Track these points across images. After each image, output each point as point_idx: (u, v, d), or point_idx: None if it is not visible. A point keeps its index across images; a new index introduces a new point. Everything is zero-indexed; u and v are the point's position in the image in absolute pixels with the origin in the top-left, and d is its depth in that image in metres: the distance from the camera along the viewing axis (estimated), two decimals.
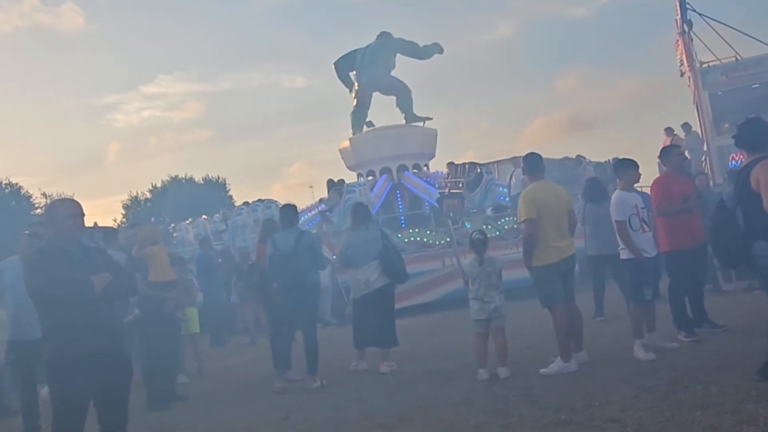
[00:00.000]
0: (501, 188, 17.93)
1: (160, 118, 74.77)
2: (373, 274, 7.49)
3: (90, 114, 72.01)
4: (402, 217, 17.76)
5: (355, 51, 21.35)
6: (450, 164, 17.77)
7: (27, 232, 6.00)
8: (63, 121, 70.65)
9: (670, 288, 6.87)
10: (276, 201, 16.94)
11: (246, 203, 18.28)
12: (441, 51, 21.58)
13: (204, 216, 19.50)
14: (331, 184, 17.23)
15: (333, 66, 21.90)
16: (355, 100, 21.32)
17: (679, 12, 18.01)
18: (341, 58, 21.79)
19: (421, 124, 21.20)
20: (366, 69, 21.00)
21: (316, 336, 7.31)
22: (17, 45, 66.93)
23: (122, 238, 8.96)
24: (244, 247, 14.38)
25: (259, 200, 17.91)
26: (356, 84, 21.45)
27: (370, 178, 20.84)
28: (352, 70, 21.44)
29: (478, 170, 16.26)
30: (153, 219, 40.22)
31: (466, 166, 17.13)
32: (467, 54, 69.82)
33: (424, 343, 8.82)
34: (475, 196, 15.68)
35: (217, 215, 18.94)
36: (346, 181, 18.09)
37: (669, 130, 16.92)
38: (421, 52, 21.50)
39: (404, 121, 21.17)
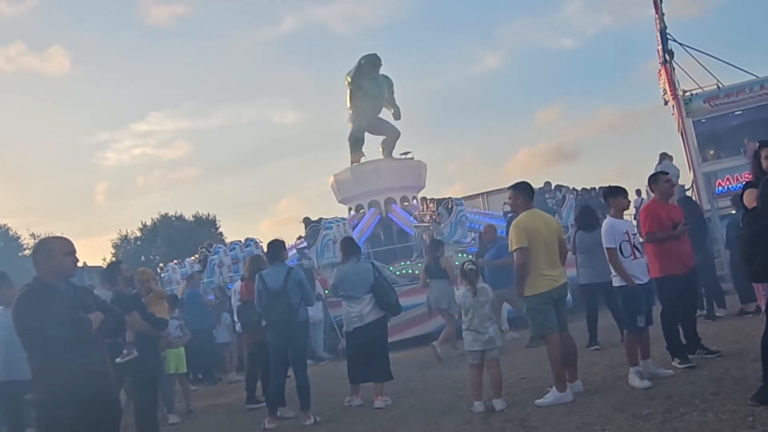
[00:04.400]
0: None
1: (150, 155, 74.97)
2: (366, 307, 7.45)
3: (80, 153, 72.17)
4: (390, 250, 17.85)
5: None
6: (423, 199, 19.10)
7: None
8: (53, 161, 70.73)
9: (662, 314, 6.86)
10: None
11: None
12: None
13: (175, 261, 19.78)
14: (308, 221, 17.58)
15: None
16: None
17: (660, 42, 18.33)
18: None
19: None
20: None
21: (307, 372, 7.23)
22: (3, 88, 67.14)
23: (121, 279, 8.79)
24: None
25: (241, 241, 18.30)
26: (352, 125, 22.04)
27: (361, 210, 21.06)
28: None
29: (449, 204, 16.94)
30: (143, 257, 40.15)
31: (436, 200, 18.10)
32: (454, 86, 70.75)
33: (418, 376, 8.74)
34: (445, 228, 16.33)
35: (193, 258, 19.12)
36: (329, 216, 18.41)
37: (663, 155, 17.05)
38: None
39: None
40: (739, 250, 4.69)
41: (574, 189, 19.31)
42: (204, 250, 17.86)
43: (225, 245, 17.44)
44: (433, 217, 17.22)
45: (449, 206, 16.84)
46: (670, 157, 17.01)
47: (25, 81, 67.87)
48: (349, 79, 21.97)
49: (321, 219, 17.16)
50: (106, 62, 71.18)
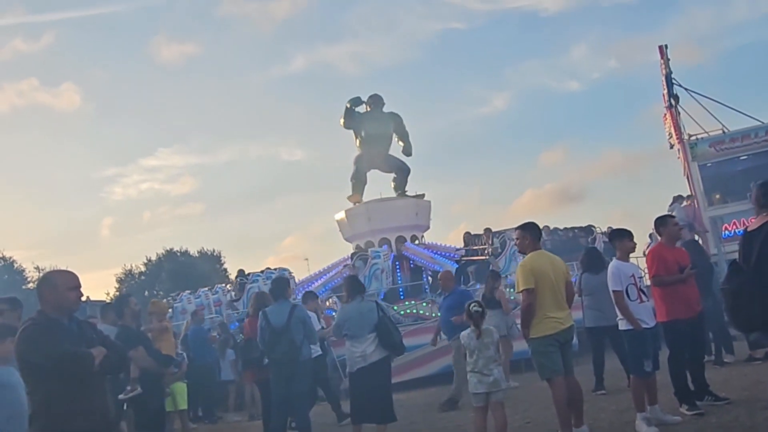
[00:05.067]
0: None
1: (158, 190, 75.38)
2: (370, 347, 7.37)
3: (88, 187, 72.60)
4: (401, 288, 17.82)
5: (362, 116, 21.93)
6: (467, 234, 19.09)
7: None
8: (61, 195, 71.17)
9: (669, 359, 6.78)
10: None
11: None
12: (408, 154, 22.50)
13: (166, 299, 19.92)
14: (240, 273, 17.70)
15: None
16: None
17: (665, 86, 18.52)
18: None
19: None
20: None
21: (308, 413, 7.13)
22: (14, 123, 67.94)
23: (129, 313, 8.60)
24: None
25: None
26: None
27: (369, 249, 21.09)
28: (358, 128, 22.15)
29: (503, 238, 17.03)
30: (146, 292, 40.08)
31: (489, 233, 18.12)
32: (461, 126, 71.33)
33: (422, 418, 8.62)
34: (500, 261, 16.34)
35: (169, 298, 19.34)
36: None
37: (677, 198, 16.99)
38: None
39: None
40: (724, 303, 4.74)
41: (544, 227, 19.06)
42: (170, 299, 18.19)
43: (191, 293, 17.68)
44: (486, 251, 17.22)
45: (503, 239, 16.84)
46: (688, 199, 16.88)
47: (36, 116, 68.89)
48: (342, 123, 22.13)
49: (265, 270, 17.24)
50: (116, 99, 72.28)
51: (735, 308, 4.54)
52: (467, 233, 19.22)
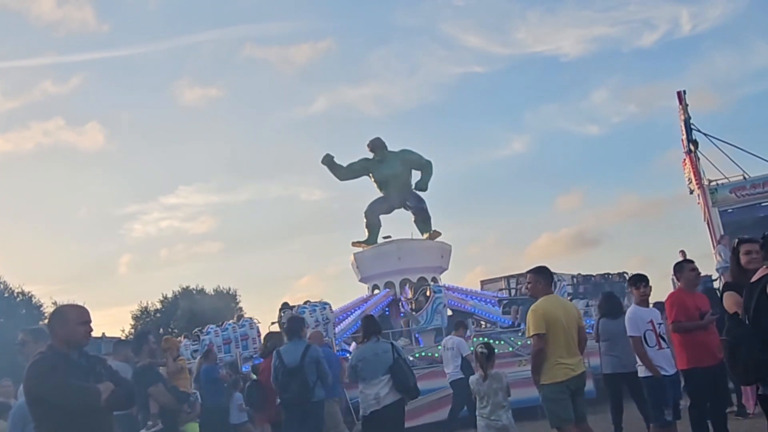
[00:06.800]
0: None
1: (176, 228, 75.85)
2: (384, 389, 7.26)
3: (108, 224, 73.27)
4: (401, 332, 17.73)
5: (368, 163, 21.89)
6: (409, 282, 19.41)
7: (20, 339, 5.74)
8: (81, 231, 71.82)
9: (690, 408, 6.60)
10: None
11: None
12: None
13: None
14: (284, 306, 17.52)
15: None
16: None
17: (684, 132, 18.50)
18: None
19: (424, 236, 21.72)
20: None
21: None
22: (39, 160, 69.18)
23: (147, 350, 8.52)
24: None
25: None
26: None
27: (375, 291, 20.95)
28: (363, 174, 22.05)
29: (426, 292, 17.10)
30: (161, 330, 40.09)
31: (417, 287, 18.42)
32: (479, 168, 71.32)
33: None
34: (421, 315, 16.54)
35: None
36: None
37: (723, 238, 16.76)
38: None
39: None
40: (723, 355, 4.68)
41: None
42: (284, 310, 18.08)
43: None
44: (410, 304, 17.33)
45: (426, 294, 16.91)
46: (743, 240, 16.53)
47: (61, 154, 69.99)
48: (338, 180, 22.03)
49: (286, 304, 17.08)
50: (139, 138, 73.21)
51: (733, 360, 4.53)
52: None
